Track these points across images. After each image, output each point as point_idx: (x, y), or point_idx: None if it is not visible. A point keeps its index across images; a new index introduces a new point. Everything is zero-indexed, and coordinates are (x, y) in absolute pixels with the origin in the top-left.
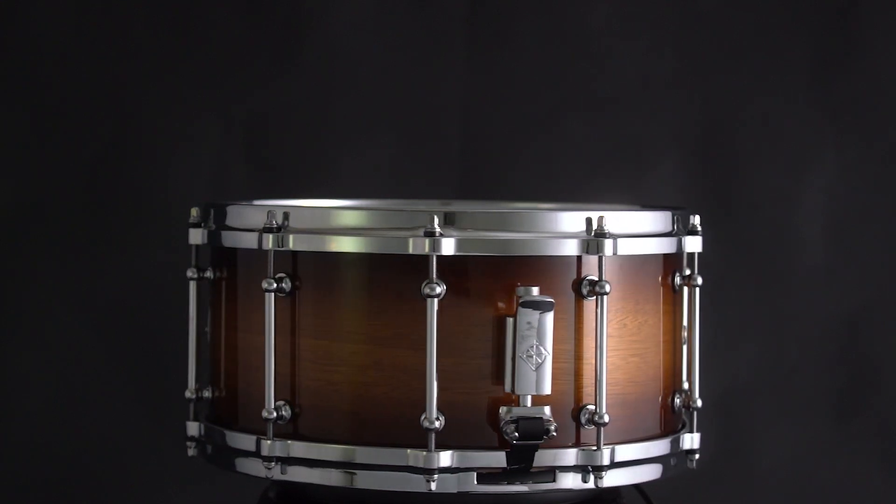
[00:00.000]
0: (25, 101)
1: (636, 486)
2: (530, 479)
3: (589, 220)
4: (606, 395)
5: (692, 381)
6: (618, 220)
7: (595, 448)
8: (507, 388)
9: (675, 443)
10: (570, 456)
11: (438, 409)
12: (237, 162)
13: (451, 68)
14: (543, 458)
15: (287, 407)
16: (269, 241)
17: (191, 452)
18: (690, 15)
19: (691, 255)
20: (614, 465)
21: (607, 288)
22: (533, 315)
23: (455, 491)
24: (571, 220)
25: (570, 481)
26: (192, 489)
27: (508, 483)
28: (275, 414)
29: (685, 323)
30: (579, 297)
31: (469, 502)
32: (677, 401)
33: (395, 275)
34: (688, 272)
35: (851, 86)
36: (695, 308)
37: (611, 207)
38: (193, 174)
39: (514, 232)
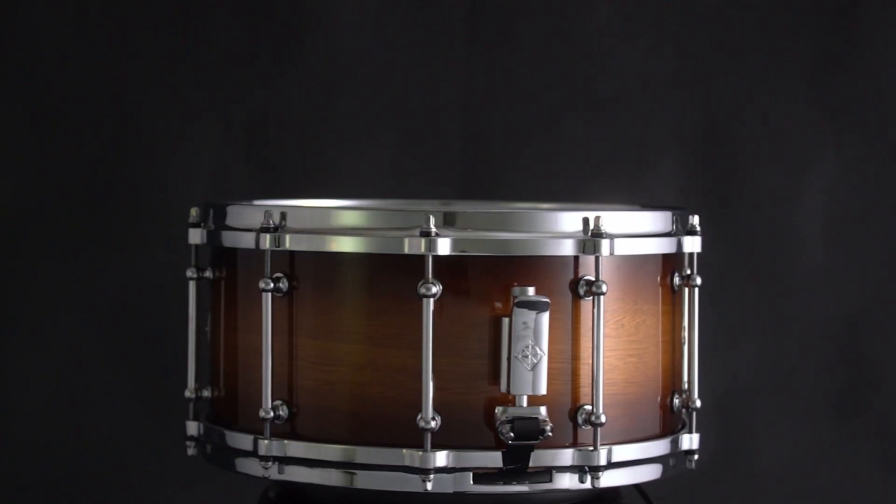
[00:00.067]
0: (25, 101)
1: (636, 486)
2: (526, 479)
3: (586, 220)
4: (603, 395)
5: (691, 381)
6: (615, 220)
7: (592, 448)
8: (503, 388)
9: (674, 443)
10: (566, 456)
11: (435, 409)
12: (237, 162)
13: (451, 68)
14: (540, 458)
15: (284, 407)
16: (267, 241)
17: (190, 452)
18: (690, 15)
19: (690, 255)
20: (611, 465)
21: (604, 288)
22: (528, 315)
23: (451, 491)
24: (568, 221)
25: (567, 481)
26: (192, 489)
27: (504, 483)
28: (272, 414)
29: (685, 323)
30: (576, 297)
31: (467, 502)
32: (676, 401)
33: (391, 275)
34: (687, 272)
35: (851, 86)
36: (694, 308)
37: (609, 207)
38: (193, 174)
39: (511, 232)
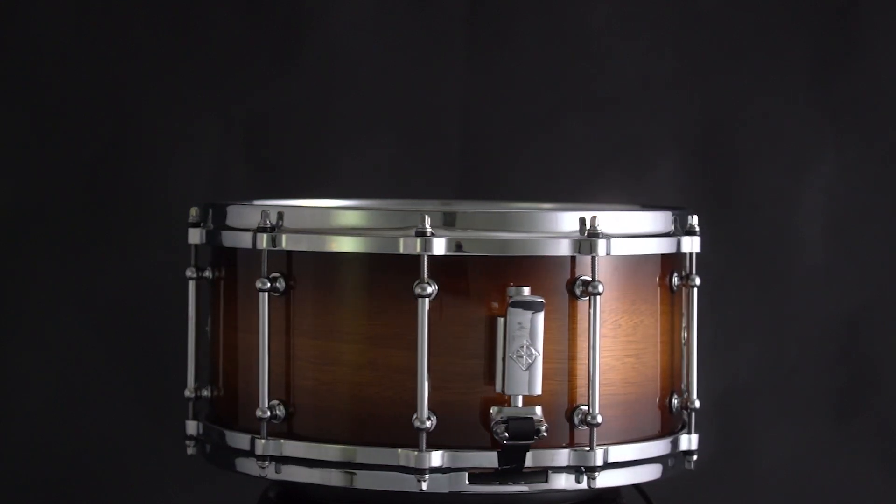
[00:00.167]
0: (25, 101)
1: (636, 486)
2: (522, 479)
3: (582, 221)
4: (600, 395)
5: (690, 381)
6: (612, 220)
7: (588, 449)
8: (498, 388)
9: (673, 444)
10: (562, 456)
11: (431, 408)
12: (237, 162)
13: (451, 68)
14: (536, 458)
15: (281, 406)
16: (264, 241)
17: (190, 451)
18: (690, 15)
19: (689, 255)
20: (608, 465)
21: (600, 288)
22: (523, 315)
23: (447, 491)
24: (565, 221)
25: (563, 482)
26: (192, 489)
27: (500, 483)
28: (268, 413)
29: (684, 323)
30: (573, 297)
31: (470, 502)
32: (675, 401)
33: (388, 275)
34: (686, 272)
35: (851, 86)
36: (693, 308)
37: (607, 207)
38: (193, 174)
39: (508, 232)
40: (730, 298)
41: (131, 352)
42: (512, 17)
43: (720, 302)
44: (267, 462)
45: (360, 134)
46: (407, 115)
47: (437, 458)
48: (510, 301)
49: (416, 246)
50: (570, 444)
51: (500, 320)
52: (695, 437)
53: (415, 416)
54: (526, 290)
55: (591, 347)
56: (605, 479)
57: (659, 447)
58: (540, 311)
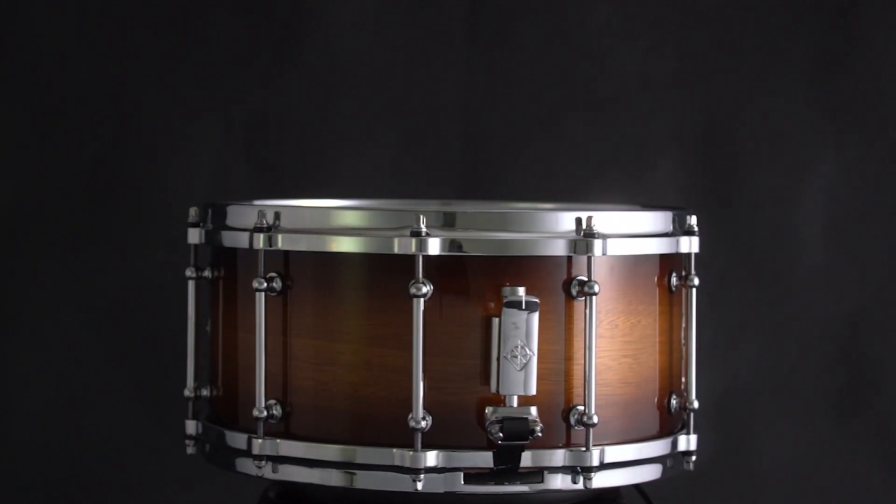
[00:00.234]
0: (25, 101)
1: (636, 487)
2: (518, 479)
3: (578, 221)
4: (598, 395)
5: (689, 382)
6: (609, 220)
7: (584, 449)
8: (493, 388)
9: (672, 444)
10: (558, 456)
11: (427, 409)
12: (237, 162)
13: (451, 68)
14: (532, 458)
15: (278, 406)
16: (260, 241)
17: (189, 451)
18: (690, 15)
19: (688, 255)
20: (605, 466)
21: (596, 288)
22: (518, 315)
23: (442, 491)
24: (561, 221)
25: (559, 482)
26: (192, 489)
27: (496, 483)
28: (265, 413)
29: (683, 324)
30: (569, 297)
31: (470, 502)
32: (674, 402)
33: (384, 275)
34: (684, 272)
35: (851, 86)
36: (691, 309)
37: (605, 207)
38: (193, 174)
39: (504, 232)
40: (730, 298)
41: (131, 352)
42: (512, 17)
43: (720, 302)
44: (264, 462)
45: (360, 134)
46: (407, 115)
47: (432, 458)
48: (504, 301)
49: (412, 246)
50: (567, 445)
51: (496, 320)
52: (693, 438)
53: (410, 416)
54: (521, 290)
55: (587, 348)
56: (602, 480)
57: (657, 447)
58: (535, 311)
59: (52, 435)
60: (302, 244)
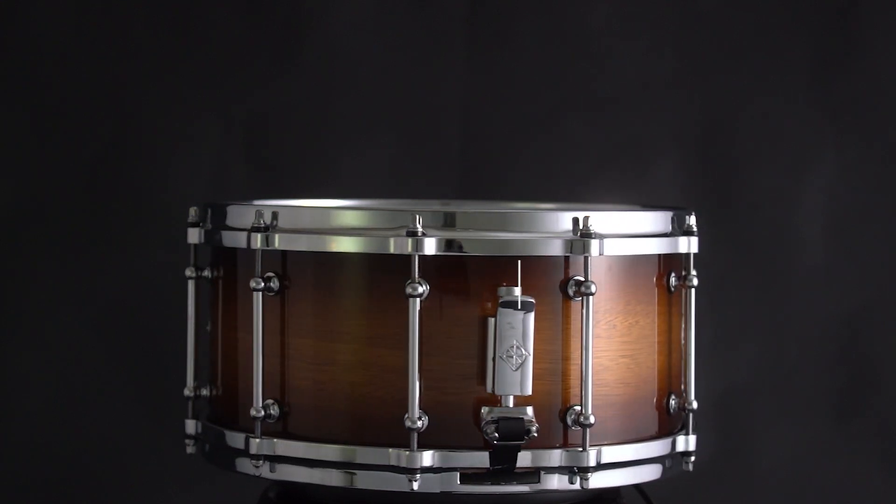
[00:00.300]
0: (25, 101)
1: (636, 487)
2: (514, 479)
3: (575, 221)
4: (595, 395)
5: (687, 382)
6: (607, 220)
7: (581, 449)
8: (489, 388)
9: (671, 445)
10: (555, 457)
11: (424, 409)
12: (237, 162)
13: (451, 68)
14: (528, 458)
15: (276, 406)
16: (258, 241)
17: (189, 450)
18: (690, 15)
19: (687, 255)
20: (602, 466)
21: (593, 288)
22: (513, 315)
23: (438, 491)
24: (558, 221)
25: (556, 482)
26: (192, 489)
27: (492, 483)
28: (262, 413)
29: (682, 324)
30: (566, 297)
31: (468, 502)
32: (673, 402)
33: (381, 275)
34: (684, 273)
35: (851, 86)
36: (690, 309)
37: (603, 207)
38: (193, 174)
39: (501, 232)
40: (730, 298)
41: (131, 352)
42: (512, 17)
43: (720, 302)
44: (261, 461)
45: (360, 134)
46: (407, 115)
47: (427, 457)
48: (500, 301)
49: (408, 246)
50: (564, 445)
51: (491, 320)
52: (693, 438)
53: (406, 416)
54: (516, 290)
55: (584, 348)
56: (600, 480)
57: (656, 448)
58: (530, 311)
59: (52, 435)
60: (300, 244)
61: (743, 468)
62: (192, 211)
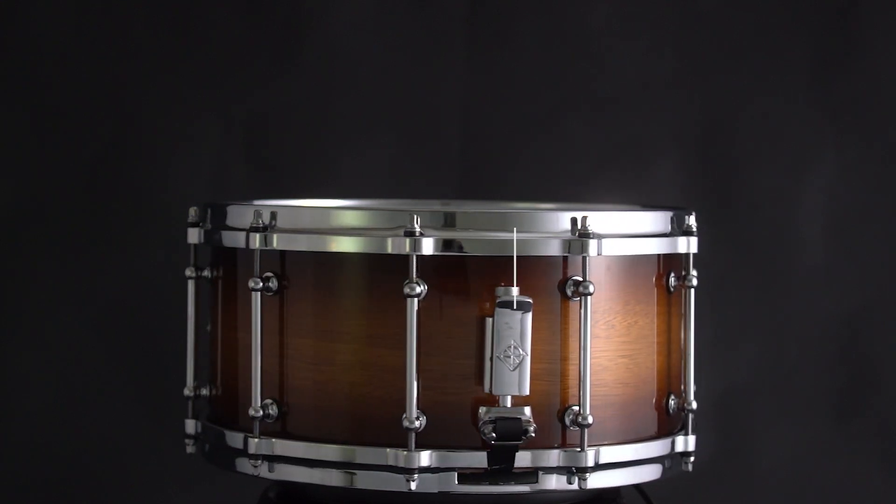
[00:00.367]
0: (25, 101)
1: (636, 487)
2: (512, 479)
3: (574, 221)
4: (593, 396)
5: (687, 382)
6: (606, 220)
7: (579, 450)
8: (486, 388)
9: (669, 445)
10: (553, 457)
11: (422, 409)
12: (237, 162)
13: (451, 68)
14: (526, 458)
15: (274, 406)
16: (256, 241)
17: (189, 450)
18: (690, 15)
19: (686, 255)
20: (601, 466)
21: (591, 289)
22: (511, 315)
23: (436, 491)
24: (557, 221)
25: (554, 482)
26: (192, 489)
27: (490, 483)
28: (261, 412)
29: (682, 324)
30: (564, 297)
31: (469, 502)
32: (673, 403)
33: (379, 274)
34: (683, 273)
35: (851, 86)
36: (690, 309)
37: (603, 208)
38: (193, 174)
39: (499, 232)
40: (730, 298)
41: (131, 352)
42: (512, 17)
43: (720, 302)
44: (260, 461)
45: (360, 134)
46: (407, 115)
47: (425, 457)
48: (497, 301)
49: (406, 246)
50: (562, 445)
51: (489, 320)
52: (692, 439)
53: (404, 416)
54: (514, 291)
55: (582, 348)
56: (598, 480)
57: (654, 448)
58: (528, 311)
59: (52, 435)
60: (298, 244)
61: (743, 468)
62: (192, 211)
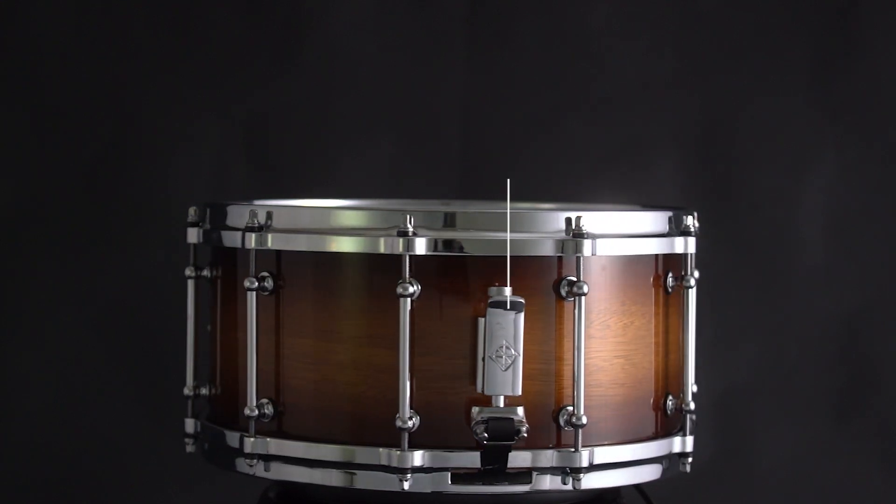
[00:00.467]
0: (25, 101)
1: (636, 487)
2: (506, 479)
3: (568, 221)
4: (588, 396)
5: (685, 383)
6: (602, 220)
7: (573, 450)
8: (479, 388)
9: (667, 446)
10: (547, 457)
11: (415, 408)
12: (237, 162)
13: (451, 68)
14: (521, 458)
15: (270, 405)
16: (252, 241)
17: (189, 449)
18: (690, 15)
19: (684, 256)
20: (596, 467)
21: (585, 289)
22: (503, 315)
23: (429, 491)
24: (551, 221)
25: (548, 483)
26: (192, 489)
27: (483, 483)
28: (256, 412)
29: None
30: (559, 297)
31: (469, 502)
32: (671, 403)
33: (373, 274)
34: (681, 273)
35: (851, 86)
36: (688, 310)
37: (600, 208)
38: (193, 174)
39: (493, 232)
40: (730, 298)
41: (131, 352)
42: (512, 17)
43: (720, 302)
44: (255, 460)
45: (360, 134)
46: (407, 115)
47: (418, 457)
48: (490, 301)
49: (398, 246)
50: (557, 445)
51: (481, 320)
52: (690, 440)
53: (397, 416)
54: (507, 291)
55: (577, 348)
56: (595, 480)
57: (652, 449)
58: (520, 311)
59: (52, 435)
60: (294, 244)
61: (743, 468)
62: (192, 211)
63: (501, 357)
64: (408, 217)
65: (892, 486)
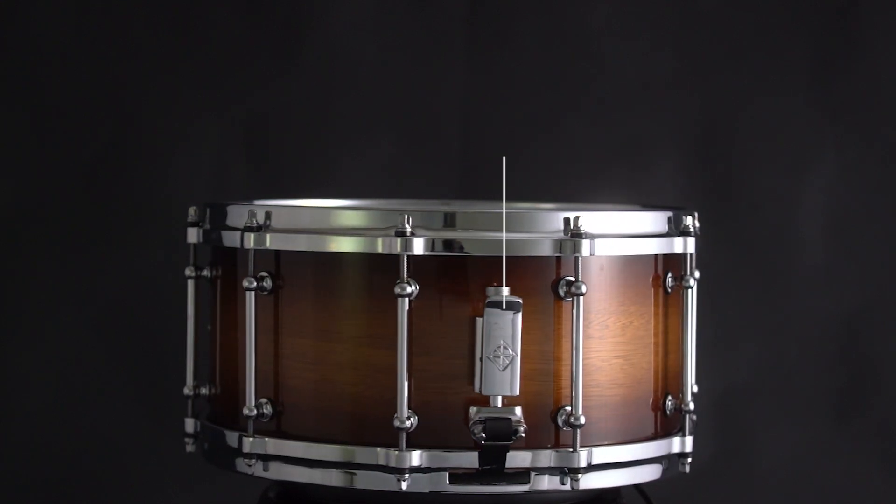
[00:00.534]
0: (25, 101)
1: (636, 487)
2: (504, 479)
3: (567, 221)
4: (587, 396)
5: (684, 383)
6: (601, 220)
7: (572, 450)
8: (477, 388)
9: (666, 446)
10: (545, 457)
11: (413, 408)
12: (237, 162)
13: (451, 68)
14: (519, 459)
15: (269, 405)
16: (251, 241)
17: (189, 448)
18: (690, 15)
19: (684, 256)
20: (594, 467)
21: (583, 289)
22: (501, 315)
23: (427, 491)
24: (550, 221)
25: (546, 483)
26: (192, 489)
27: (482, 484)
28: (255, 412)
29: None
30: (557, 297)
31: (468, 502)
32: (670, 403)
33: (371, 274)
34: (681, 273)
35: (851, 86)
36: (687, 310)
37: (598, 208)
38: (193, 174)
39: (492, 231)
40: (730, 298)
41: (131, 352)
42: (512, 17)
43: (720, 302)
44: (254, 460)
45: (360, 134)
46: (407, 115)
47: (416, 457)
48: (487, 301)
49: (396, 246)
50: (555, 445)
51: (479, 320)
52: (689, 440)
53: (395, 416)
54: (504, 291)
55: (575, 348)
56: (594, 481)
57: (651, 449)
58: (518, 311)
59: (52, 435)
60: (292, 244)
61: (743, 468)
62: (192, 211)
63: (499, 357)
64: (406, 217)
65: (892, 486)
